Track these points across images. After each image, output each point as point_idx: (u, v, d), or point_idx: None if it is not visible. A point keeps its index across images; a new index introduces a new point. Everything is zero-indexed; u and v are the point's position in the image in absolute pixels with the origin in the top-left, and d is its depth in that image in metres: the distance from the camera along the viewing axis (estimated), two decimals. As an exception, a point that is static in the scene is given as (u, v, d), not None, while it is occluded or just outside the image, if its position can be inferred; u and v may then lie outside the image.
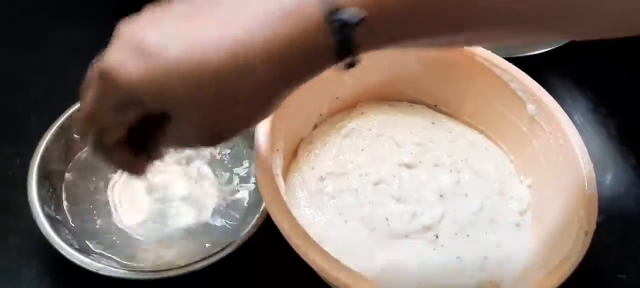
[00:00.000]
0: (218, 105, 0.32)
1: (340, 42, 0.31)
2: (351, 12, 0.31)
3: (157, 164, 0.40)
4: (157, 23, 0.32)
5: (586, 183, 0.47)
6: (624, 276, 0.54)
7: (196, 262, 0.48)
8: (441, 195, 0.50)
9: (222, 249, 0.48)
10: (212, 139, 0.35)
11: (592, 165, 0.48)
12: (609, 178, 0.61)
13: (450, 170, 0.52)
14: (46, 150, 0.52)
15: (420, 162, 0.52)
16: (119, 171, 0.53)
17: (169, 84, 0.31)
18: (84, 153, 0.54)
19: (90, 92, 0.35)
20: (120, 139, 0.36)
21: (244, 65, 0.31)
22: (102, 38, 0.65)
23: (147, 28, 0.32)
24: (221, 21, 0.31)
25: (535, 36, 0.44)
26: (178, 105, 0.32)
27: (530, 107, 0.52)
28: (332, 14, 0.31)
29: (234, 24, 0.31)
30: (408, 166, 0.52)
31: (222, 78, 0.31)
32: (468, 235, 0.49)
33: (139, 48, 0.31)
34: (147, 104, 0.33)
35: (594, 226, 0.44)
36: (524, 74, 0.53)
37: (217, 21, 0.31)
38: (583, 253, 0.43)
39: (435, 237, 0.48)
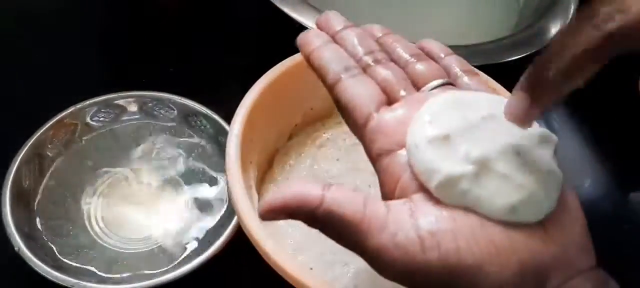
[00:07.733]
0: None
1: None
2: None
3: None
4: None
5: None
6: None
7: (170, 273, 0.49)
8: None
9: (196, 260, 0.49)
10: None
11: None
12: (587, 182, 0.61)
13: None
14: (19, 167, 0.52)
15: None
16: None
17: None
18: (58, 169, 0.55)
19: None
20: None
21: None
22: (87, 54, 0.67)
23: None
24: None
25: None
26: None
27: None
28: None
29: None
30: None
31: None
32: None
33: None
34: None
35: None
36: (498, 85, 0.53)
37: None
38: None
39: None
